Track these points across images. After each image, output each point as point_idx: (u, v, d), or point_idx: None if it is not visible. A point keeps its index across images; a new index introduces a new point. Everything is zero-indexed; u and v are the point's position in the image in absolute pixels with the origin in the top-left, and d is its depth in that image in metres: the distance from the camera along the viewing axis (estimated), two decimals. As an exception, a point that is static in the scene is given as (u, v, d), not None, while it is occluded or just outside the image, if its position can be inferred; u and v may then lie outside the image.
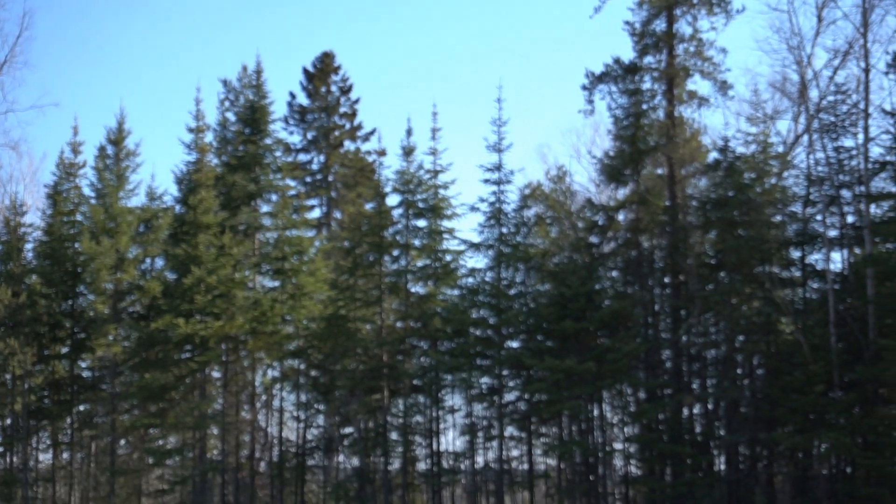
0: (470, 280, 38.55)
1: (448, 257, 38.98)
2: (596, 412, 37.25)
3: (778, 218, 35.58)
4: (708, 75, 38.40)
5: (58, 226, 43.29)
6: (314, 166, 59.53)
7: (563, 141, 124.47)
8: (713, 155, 37.84)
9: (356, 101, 60.75)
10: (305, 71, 60.65)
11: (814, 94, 34.81)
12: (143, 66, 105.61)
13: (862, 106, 33.05)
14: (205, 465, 39.25)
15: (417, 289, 39.38)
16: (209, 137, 43.89)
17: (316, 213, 56.42)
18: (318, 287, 39.91)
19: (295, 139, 59.39)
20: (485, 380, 37.90)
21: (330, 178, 58.94)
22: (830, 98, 34.17)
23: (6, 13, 67.16)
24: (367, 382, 37.85)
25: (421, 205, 38.90)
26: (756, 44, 79.88)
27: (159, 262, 43.49)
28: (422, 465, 39.18)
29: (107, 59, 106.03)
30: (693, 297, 35.83)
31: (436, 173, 39.09)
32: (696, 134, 39.69)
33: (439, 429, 38.50)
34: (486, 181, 38.09)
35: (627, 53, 40.94)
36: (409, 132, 39.37)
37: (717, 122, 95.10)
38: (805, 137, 36.21)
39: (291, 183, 46.05)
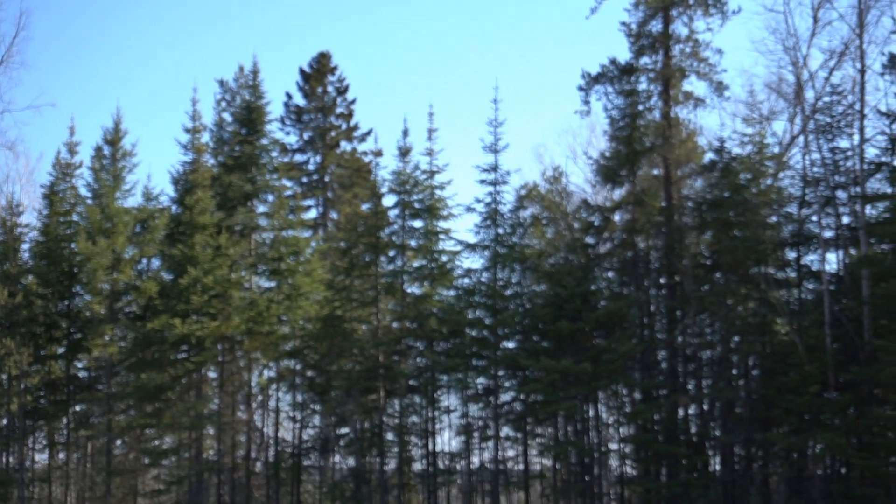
0: (466, 281, 38.57)
1: (444, 258, 39.01)
2: (591, 413, 37.30)
3: (773, 219, 35.56)
4: (704, 76, 38.38)
5: (54, 226, 43.25)
6: (310, 167, 59.59)
7: (559, 141, 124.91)
8: (709, 156, 37.80)
9: (352, 102, 60.89)
10: (302, 71, 60.71)
11: (809, 95, 34.87)
12: (139, 67, 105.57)
13: (858, 107, 33.00)
14: (201, 466, 39.28)
15: (413, 289, 39.40)
16: (205, 138, 43.98)
17: (312, 214, 56.60)
18: (315, 287, 39.94)
19: (291, 139, 59.61)
20: (481, 380, 37.91)
21: (326, 179, 58.99)
22: (826, 99, 34.17)
23: (2, 13, 67.33)
24: (364, 383, 37.87)
25: (417, 205, 38.92)
26: (752, 45, 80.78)
27: (155, 263, 43.43)
28: (418, 466, 39.25)
29: (103, 59, 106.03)
30: (689, 298, 35.84)
31: (432, 174, 39.13)
32: (692, 135, 39.74)
33: (435, 429, 38.57)
34: (483, 182, 38.17)
35: (624, 54, 40.88)
36: (405, 133, 39.50)
37: (713, 123, 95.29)
38: (801, 138, 36.21)
39: (288, 183, 46.14)
